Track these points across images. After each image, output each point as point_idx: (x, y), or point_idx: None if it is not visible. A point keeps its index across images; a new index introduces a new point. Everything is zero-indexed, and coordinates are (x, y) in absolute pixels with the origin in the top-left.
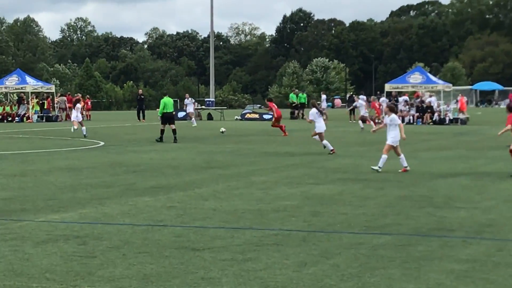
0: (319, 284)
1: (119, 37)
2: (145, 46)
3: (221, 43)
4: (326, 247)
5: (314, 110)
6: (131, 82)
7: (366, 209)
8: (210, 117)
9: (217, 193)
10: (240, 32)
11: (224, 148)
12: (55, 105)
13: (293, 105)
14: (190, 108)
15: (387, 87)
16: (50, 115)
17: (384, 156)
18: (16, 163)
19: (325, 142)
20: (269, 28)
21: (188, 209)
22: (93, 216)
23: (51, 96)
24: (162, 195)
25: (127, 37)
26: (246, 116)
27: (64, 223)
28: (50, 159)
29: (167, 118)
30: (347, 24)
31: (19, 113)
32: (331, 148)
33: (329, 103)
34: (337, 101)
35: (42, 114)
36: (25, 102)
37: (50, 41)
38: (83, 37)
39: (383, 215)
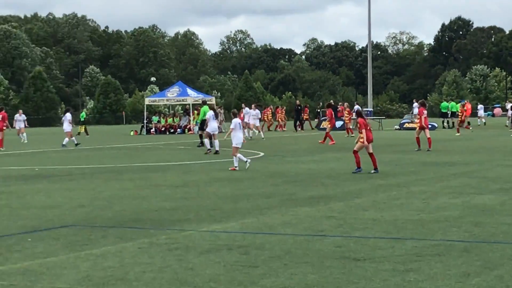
0: None
1: (278, 48)
2: (303, 57)
3: (379, 52)
4: (489, 258)
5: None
6: (289, 92)
7: None
8: None
9: (376, 203)
10: (397, 42)
11: (383, 158)
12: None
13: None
14: (249, 119)
15: None
16: None
17: None
18: (179, 174)
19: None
20: (426, 37)
21: (348, 219)
22: (254, 226)
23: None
24: (322, 205)
25: (286, 48)
26: (404, 126)
27: (226, 233)
28: (211, 169)
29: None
30: (507, 32)
31: (180, 124)
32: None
33: (489, 112)
34: (497, 110)
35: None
36: (187, 114)
37: (210, 54)
38: (242, 49)
39: None
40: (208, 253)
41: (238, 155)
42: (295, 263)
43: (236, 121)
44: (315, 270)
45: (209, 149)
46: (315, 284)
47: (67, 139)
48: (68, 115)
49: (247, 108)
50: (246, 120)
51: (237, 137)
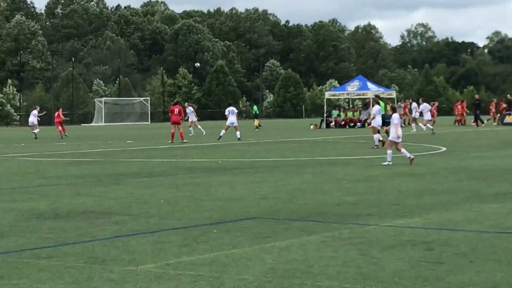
0: None
1: (460, 42)
2: (486, 50)
3: None
4: None
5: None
6: (472, 87)
7: None
8: None
9: None
10: None
11: None
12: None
13: None
14: (418, 114)
15: None
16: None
17: None
18: (360, 168)
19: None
20: None
21: None
22: (438, 221)
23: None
24: (508, 201)
25: (468, 42)
26: None
27: (410, 228)
28: (392, 164)
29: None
30: None
31: (361, 118)
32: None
33: None
34: None
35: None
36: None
37: (390, 47)
38: (423, 42)
39: None
40: (392, 248)
41: (389, 151)
42: (482, 261)
43: (396, 116)
44: (503, 268)
45: (376, 145)
46: (503, 283)
47: (239, 132)
48: (234, 109)
49: (414, 103)
50: (413, 115)
51: (394, 132)
